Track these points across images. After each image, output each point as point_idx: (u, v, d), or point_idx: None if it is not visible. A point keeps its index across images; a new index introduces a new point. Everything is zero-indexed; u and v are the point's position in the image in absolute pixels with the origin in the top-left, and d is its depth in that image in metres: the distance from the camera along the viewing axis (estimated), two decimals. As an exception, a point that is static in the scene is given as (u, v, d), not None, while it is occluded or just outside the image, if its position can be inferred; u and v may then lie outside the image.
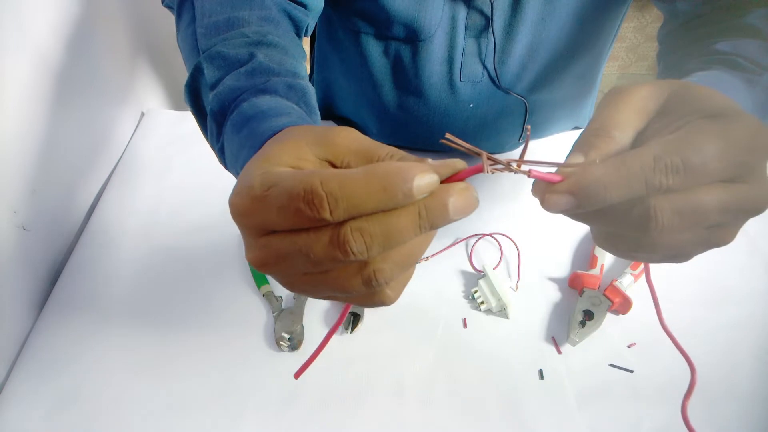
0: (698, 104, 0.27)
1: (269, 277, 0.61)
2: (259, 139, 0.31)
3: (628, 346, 0.55)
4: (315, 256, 0.23)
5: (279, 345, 0.55)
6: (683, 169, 0.24)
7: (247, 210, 0.24)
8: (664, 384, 0.52)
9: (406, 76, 0.64)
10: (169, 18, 0.50)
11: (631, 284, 0.58)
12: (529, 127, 0.30)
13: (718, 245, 0.27)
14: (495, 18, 0.57)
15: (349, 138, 0.26)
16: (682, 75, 0.39)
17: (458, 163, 0.23)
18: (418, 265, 0.39)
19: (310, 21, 0.50)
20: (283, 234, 0.24)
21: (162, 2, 0.51)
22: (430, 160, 0.24)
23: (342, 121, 0.79)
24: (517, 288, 0.60)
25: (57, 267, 0.64)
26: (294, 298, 0.59)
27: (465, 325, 0.57)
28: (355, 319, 0.57)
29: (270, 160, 0.26)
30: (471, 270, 0.62)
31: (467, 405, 0.52)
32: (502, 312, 0.58)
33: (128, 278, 0.62)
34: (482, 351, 0.55)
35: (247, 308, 0.59)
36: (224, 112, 0.36)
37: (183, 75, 0.42)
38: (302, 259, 0.23)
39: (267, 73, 0.38)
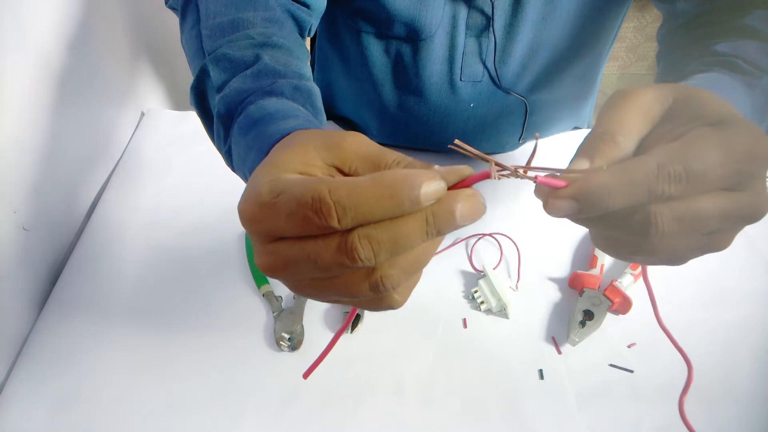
0: (701, 111, 0.27)
1: (269, 277, 0.61)
2: (266, 142, 0.31)
3: (628, 346, 0.55)
4: (323, 263, 0.23)
5: (279, 345, 0.55)
6: (686, 178, 0.24)
7: (255, 217, 0.24)
8: (664, 384, 0.52)
9: (407, 76, 0.64)
10: (169, 18, 0.50)
11: (631, 284, 0.58)
12: (537, 134, 0.30)
13: (715, 250, 0.28)
14: (496, 17, 0.57)
15: (357, 143, 0.26)
16: (682, 76, 0.39)
17: (465, 170, 0.24)
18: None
19: (313, 21, 0.50)
20: (292, 240, 0.24)
21: (165, 3, 0.50)
22: (437, 167, 0.24)
23: (342, 120, 0.80)
24: (517, 288, 0.60)
25: (57, 267, 0.64)
26: (294, 298, 0.59)
27: (465, 325, 0.57)
28: (355, 320, 0.57)
29: (278, 166, 0.26)
30: (471, 270, 0.62)
31: (467, 405, 0.52)
32: (502, 312, 0.58)
33: (128, 278, 0.62)
34: (482, 351, 0.55)
35: (247, 308, 0.59)
36: (231, 115, 0.36)
37: (183, 75, 0.42)
38: (310, 265, 0.23)
39: (273, 74, 0.38)
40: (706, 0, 0.47)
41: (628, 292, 0.57)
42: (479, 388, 0.53)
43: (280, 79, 0.37)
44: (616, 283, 0.57)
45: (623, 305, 0.56)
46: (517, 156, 0.74)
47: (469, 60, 0.61)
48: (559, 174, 0.26)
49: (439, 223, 0.22)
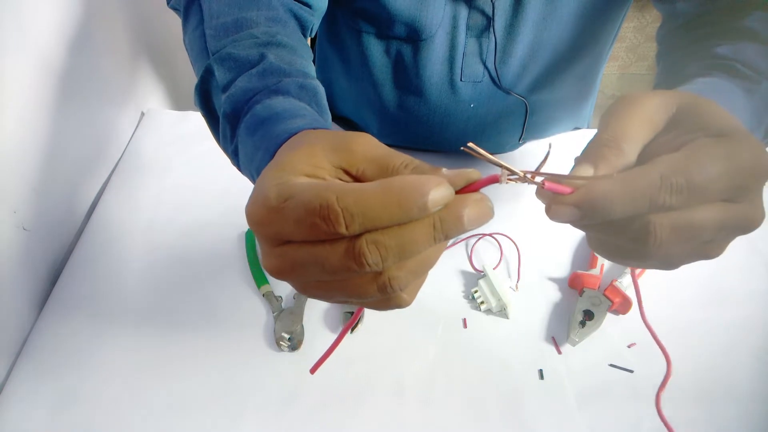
0: (704, 121, 0.27)
1: (269, 277, 0.61)
2: (274, 142, 0.31)
3: (628, 346, 0.55)
4: (330, 267, 0.23)
5: (279, 345, 0.55)
6: (687, 190, 0.24)
7: (263, 220, 0.24)
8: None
9: (407, 76, 0.64)
10: (169, 18, 0.50)
11: (630, 284, 0.58)
12: (550, 143, 0.30)
13: (708, 258, 0.28)
14: (496, 18, 0.57)
15: (365, 146, 0.26)
16: (682, 78, 0.39)
17: (473, 173, 0.24)
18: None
19: (315, 21, 0.50)
20: (299, 244, 0.24)
21: (167, 3, 0.50)
22: (444, 170, 0.24)
23: (342, 121, 0.80)
24: (517, 288, 0.60)
25: (57, 267, 0.64)
26: (294, 298, 0.59)
27: (465, 325, 0.57)
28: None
29: (285, 168, 0.26)
30: (471, 270, 0.62)
31: (467, 405, 0.52)
32: (502, 312, 0.58)
33: (128, 278, 0.62)
34: (482, 351, 0.55)
35: (247, 308, 0.59)
36: (237, 114, 0.36)
37: (183, 75, 0.42)
38: (317, 269, 0.23)
39: (278, 73, 0.38)
40: (706, 1, 0.48)
41: (628, 292, 0.57)
42: (479, 388, 0.53)
43: (285, 78, 0.37)
44: (616, 283, 0.57)
45: (623, 305, 0.56)
46: (517, 156, 0.74)
47: (470, 60, 0.61)
48: (565, 180, 0.26)
49: (446, 228, 0.23)
